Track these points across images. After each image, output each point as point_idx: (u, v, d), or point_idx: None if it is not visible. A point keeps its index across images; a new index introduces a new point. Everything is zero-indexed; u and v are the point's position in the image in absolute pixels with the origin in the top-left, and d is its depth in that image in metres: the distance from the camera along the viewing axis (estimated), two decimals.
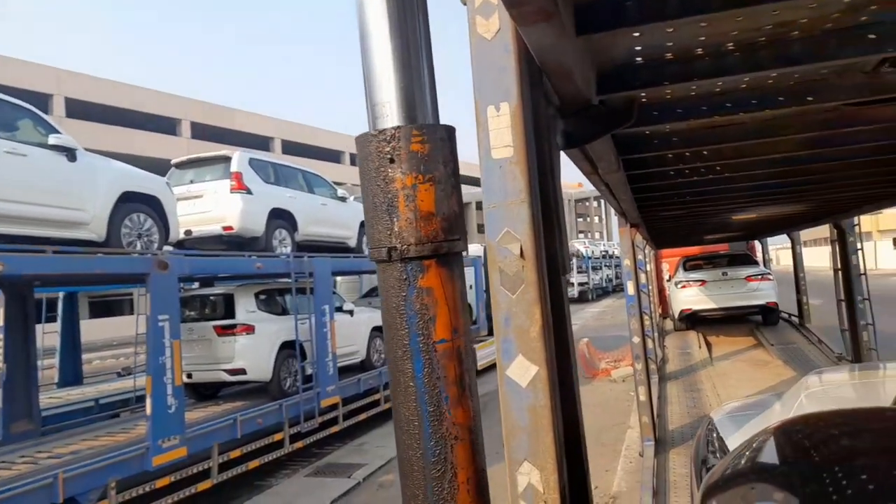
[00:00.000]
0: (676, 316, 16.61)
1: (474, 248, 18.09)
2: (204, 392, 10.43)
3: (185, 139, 36.06)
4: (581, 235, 71.71)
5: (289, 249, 10.71)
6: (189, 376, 9.43)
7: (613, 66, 2.34)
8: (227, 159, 10.16)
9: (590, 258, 40.85)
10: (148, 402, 7.28)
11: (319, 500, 8.09)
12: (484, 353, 14.87)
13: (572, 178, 71.19)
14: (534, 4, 1.36)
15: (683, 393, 10.35)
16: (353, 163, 43.60)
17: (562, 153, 3.22)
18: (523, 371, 1.57)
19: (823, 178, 5.78)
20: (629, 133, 3.57)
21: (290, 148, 42.26)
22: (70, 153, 7.08)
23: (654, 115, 2.98)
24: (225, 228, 9.79)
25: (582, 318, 29.14)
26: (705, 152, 4.24)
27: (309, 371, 10.29)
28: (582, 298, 38.20)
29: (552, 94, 2.12)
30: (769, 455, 2.24)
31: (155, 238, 8.21)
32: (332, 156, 46.93)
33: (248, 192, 9.96)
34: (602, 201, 66.36)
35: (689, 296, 15.88)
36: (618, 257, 38.61)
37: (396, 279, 1.61)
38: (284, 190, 10.87)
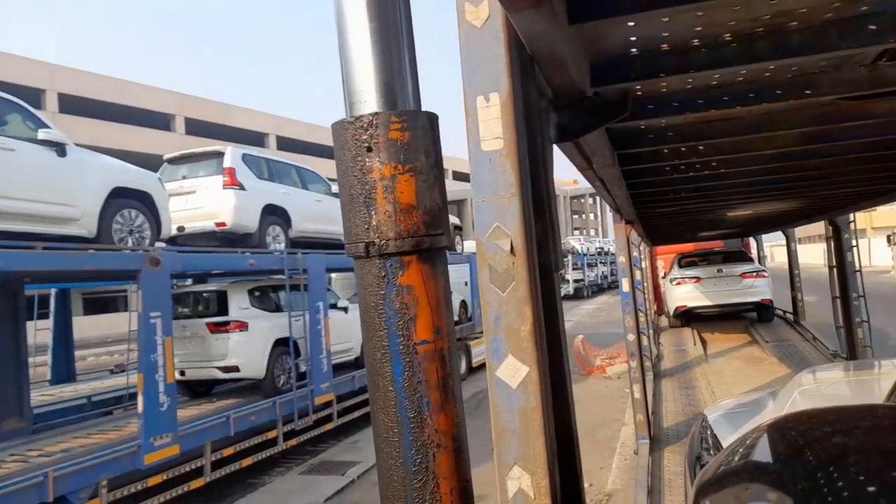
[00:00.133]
0: (671, 313, 16.61)
1: (471, 245, 18.09)
2: (197, 389, 10.36)
3: (179, 135, 35.87)
4: (576, 232, 71.72)
5: (282, 246, 10.64)
6: (182, 374, 9.38)
7: (608, 57, 2.28)
8: (219, 155, 10.09)
9: (585, 255, 40.94)
10: (140, 399, 7.22)
11: (313, 497, 8.05)
12: (480, 350, 14.85)
13: (568, 174, 71.15)
14: None
15: (678, 390, 10.33)
16: None
17: (555, 147, 3.17)
18: (513, 372, 1.50)
19: (819, 174, 5.75)
20: (624, 127, 3.52)
21: (286, 144, 42.07)
22: (60, 148, 7.01)
23: (650, 109, 2.92)
24: (218, 224, 9.73)
25: (577, 314, 29.17)
26: (701, 147, 4.19)
27: (303, 368, 10.24)
28: (577, 295, 38.36)
29: (545, 85, 2.06)
30: (762, 453, 2.22)
31: (146, 234, 8.14)
32: (328, 152, 46.69)
33: (242, 187, 9.89)
34: (598, 198, 66.32)
35: (685, 293, 15.87)
36: (613, 254, 38.68)
37: (374, 276, 1.52)
38: (278, 186, 10.80)
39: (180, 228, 9.64)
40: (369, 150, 1.49)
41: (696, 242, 18.46)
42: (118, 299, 30.54)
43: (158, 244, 8.48)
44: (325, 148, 46.56)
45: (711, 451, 4.51)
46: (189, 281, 11.36)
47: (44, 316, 11.39)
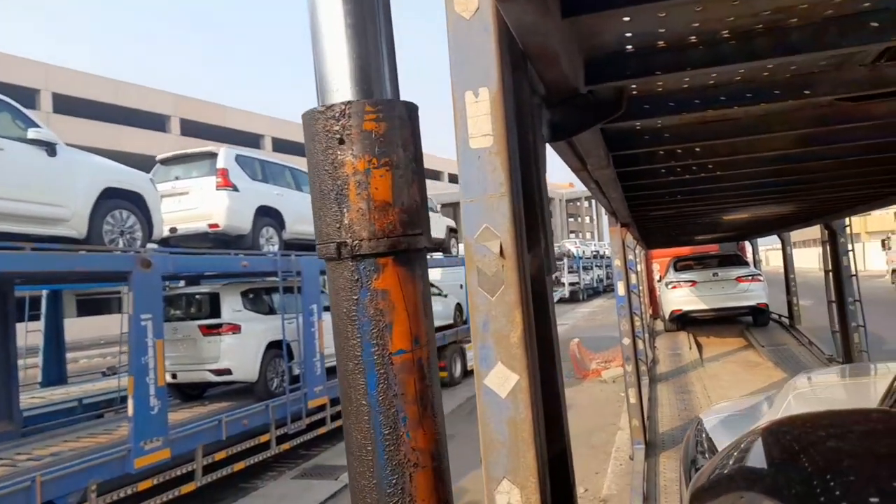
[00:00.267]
0: (667, 316, 16.60)
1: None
2: (189, 392, 10.29)
3: (174, 136, 35.74)
4: (572, 235, 71.80)
5: (276, 248, 10.58)
6: (174, 376, 9.31)
7: (602, 54, 2.22)
8: (213, 156, 10.03)
9: (581, 258, 40.97)
10: (130, 402, 7.14)
11: (306, 502, 7.98)
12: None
13: (564, 177, 71.34)
14: None
15: (674, 395, 10.29)
16: None
17: (550, 148, 3.11)
18: (503, 380, 1.40)
19: (816, 178, 5.71)
20: (619, 128, 3.47)
21: (282, 145, 41.98)
22: (50, 148, 6.94)
23: (646, 109, 2.86)
24: (211, 226, 9.66)
25: (573, 317, 29.16)
26: (697, 149, 4.14)
27: (296, 371, 10.17)
28: (573, 298, 38.42)
29: (537, 82, 2.00)
30: (757, 458, 2.20)
31: (138, 235, 8.07)
32: None
33: (235, 189, 9.83)
34: (593, 201, 66.42)
35: (680, 296, 15.88)
36: (608, 257, 38.68)
37: (347, 280, 1.42)
38: (272, 187, 10.73)
39: (173, 230, 9.58)
40: (341, 142, 1.39)
41: (691, 246, 18.46)
42: (112, 301, 30.37)
43: (150, 245, 8.42)
44: None
45: (706, 455, 4.49)
46: (182, 283, 11.29)
47: (35, 318, 11.32)
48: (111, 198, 7.60)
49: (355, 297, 1.42)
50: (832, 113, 3.42)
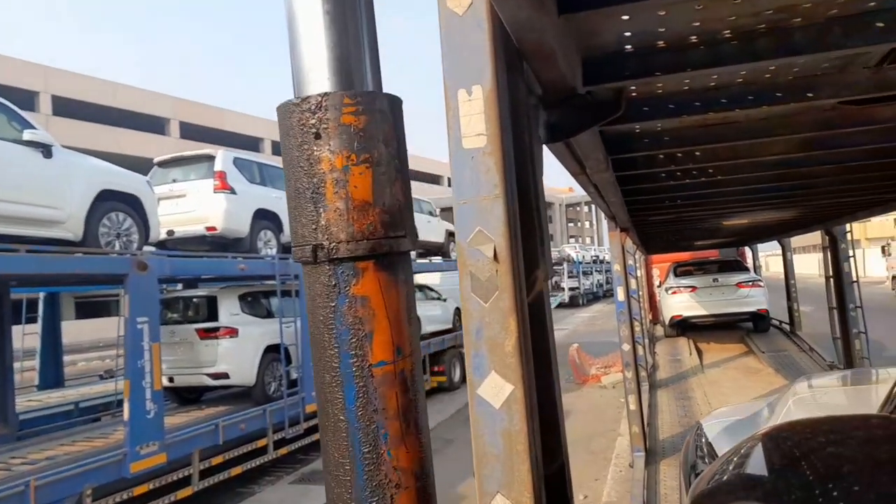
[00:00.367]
0: (667, 322, 16.56)
1: None
2: (186, 396, 10.25)
3: (173, 139, 35.73)
4: (572, 240, 71.85)
5: (274, 251, 10.54)
6: (171, 380, 9.27)
7: (601, 54, 2.17)
8: (210, 158, 10.00)
9: (580, 263, 41.02)
10: (126, 406, 7.09)
11: None
12: None
13: (563, 182, 71.47)
14: None
15: (674, 401, 10.23)
16: None
17: (549, 152, 3.07)
18: (497, 390, 1.34)
19: (818, 183, 5.66)
20: (618, 130, 3.42)
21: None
22: (46, 149, 6.89)
23: (645, 111, 2.82)
24: (208, 229, 9.63)
25: (572, 322, 29.14)
26: (697, 153, 4.10)
27: (294, 375, 10.12)
28: (573, 303, 38.49)
29: (534, 82, 1.95)
30: (756, 463, 2.22)
31: (134, 238, 8.02)
32: None
33: (232, 191, 9.79)
34: (593, 206, 66.41)
35: (680, 302, 15.84)
36: (608, 262, 38.69)
37: (323, 285, 1.31)
38: (270, 190, 10.70)
39: (170, 232, 9.54)
40: (317, 136, 1.30)
41: (691, 251, 18.43)
42: (111, 303, 30.30)
43: (147, 248, 8.37)
44: None
45: (706, 460, 4.48)
46: (179, 286, 11.25)
47: (32, 320, 11.27)
48: (107, 200, 7.56)
49: (332, 304, 1.33)
50: (835, 116, 3.38)
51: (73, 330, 20.67)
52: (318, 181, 1.32)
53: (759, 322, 15.96)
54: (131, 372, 7.12)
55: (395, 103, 1.43)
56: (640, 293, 12.95)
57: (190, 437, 8.02)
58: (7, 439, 8.19)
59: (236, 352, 9.39)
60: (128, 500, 7.14)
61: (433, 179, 55.85)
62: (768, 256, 52.20)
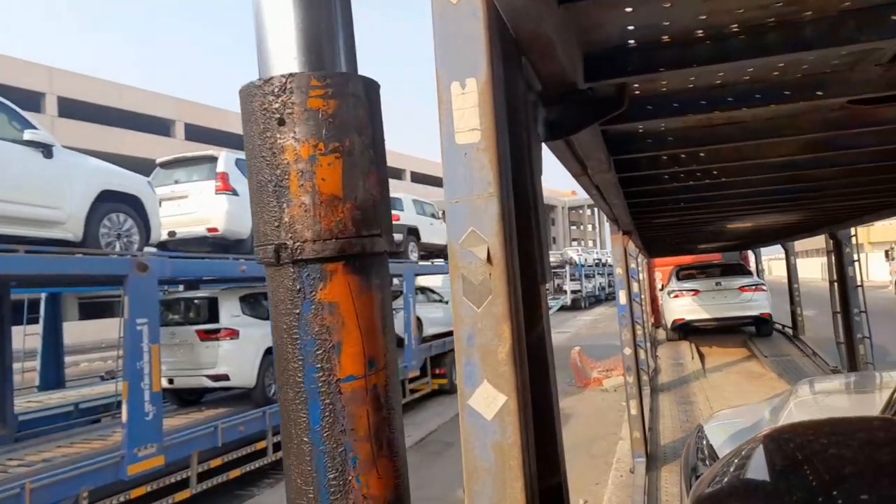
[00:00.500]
0: (669, 326, 16.46)
1: None
2: (186, 398, 10.21)
3: (178, 140, 35.74)
4: (574, 243, 71.79)
5: None
6: (171, 382, 9.23)
7: (603, 48, 2.10)
8: (213, 159, 9.95)
9: (583, 266, 40.97)
10: (124, 408, 7.04)
11: None
12: None
13: (566, 185, 71.44)
14: None
15: (676, 405, 10.14)
16: None
17: (550, 153, 2.99)
18: (489, 401, 1.24)
19: (825, 185, 5.58)
20: (621, 130, 3.34)
21: None
22: (46, 149, 6.85)
23: (649, 110, 2.74)
24: (210, 230, 9.59)
25: (574, 326, 29.06)
26: (702, 154, 4.02)
27: None
28: (575, 306, 38.46)
29: (533, 77, 1.87)
30: (757, 465, 2.22)
31: (135, 239, 7.98)
32: None
33: (235, 193, 9.74)
34: (596, 209, 66.32)
35: (682, 305, 15.74)
36: (611, 265, 38.61)
37: (287, 290, 1.17)
38: None
39: (171, 233, 9.51)
40: (281, 122, 1.16)
41: (694, 255, 18.34)
42: (114, 304, 30.22)
43: (148, 249, 8.32)
44: None
45: (707, 462, 4.47)
46: (181, 287, 11.21)
47: (34, 321, 11.25)
48: (108, 201, 7.52)
49: (297, 311, 1.18)
50: (844, 116, 3.29)
51: (76, 331, 20.68)
52: (281, 173, 1.19)
53: (761, 326, 15.85)
54: (130, 373, 7.07)
55: (370, 87, 1.30)
56: (643, 296, 12.88)
57: (188, 440, 7.97)
58: (5, 440, 8.15)
59: (237, 353, 9.35)
60: (125, 502, 7.11)
61: (436, 182, 55.87)
62: (771, 260, 52.05)
